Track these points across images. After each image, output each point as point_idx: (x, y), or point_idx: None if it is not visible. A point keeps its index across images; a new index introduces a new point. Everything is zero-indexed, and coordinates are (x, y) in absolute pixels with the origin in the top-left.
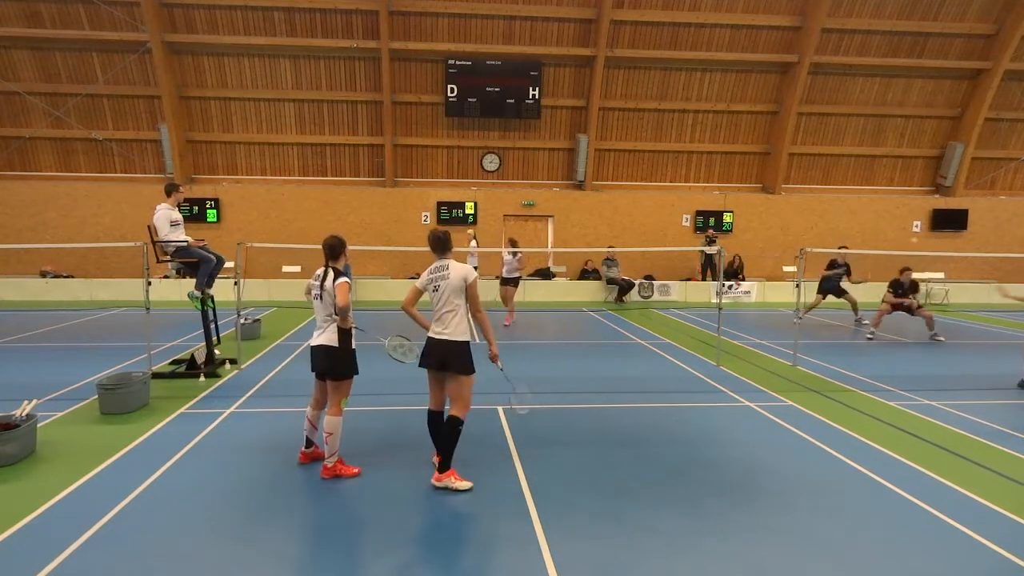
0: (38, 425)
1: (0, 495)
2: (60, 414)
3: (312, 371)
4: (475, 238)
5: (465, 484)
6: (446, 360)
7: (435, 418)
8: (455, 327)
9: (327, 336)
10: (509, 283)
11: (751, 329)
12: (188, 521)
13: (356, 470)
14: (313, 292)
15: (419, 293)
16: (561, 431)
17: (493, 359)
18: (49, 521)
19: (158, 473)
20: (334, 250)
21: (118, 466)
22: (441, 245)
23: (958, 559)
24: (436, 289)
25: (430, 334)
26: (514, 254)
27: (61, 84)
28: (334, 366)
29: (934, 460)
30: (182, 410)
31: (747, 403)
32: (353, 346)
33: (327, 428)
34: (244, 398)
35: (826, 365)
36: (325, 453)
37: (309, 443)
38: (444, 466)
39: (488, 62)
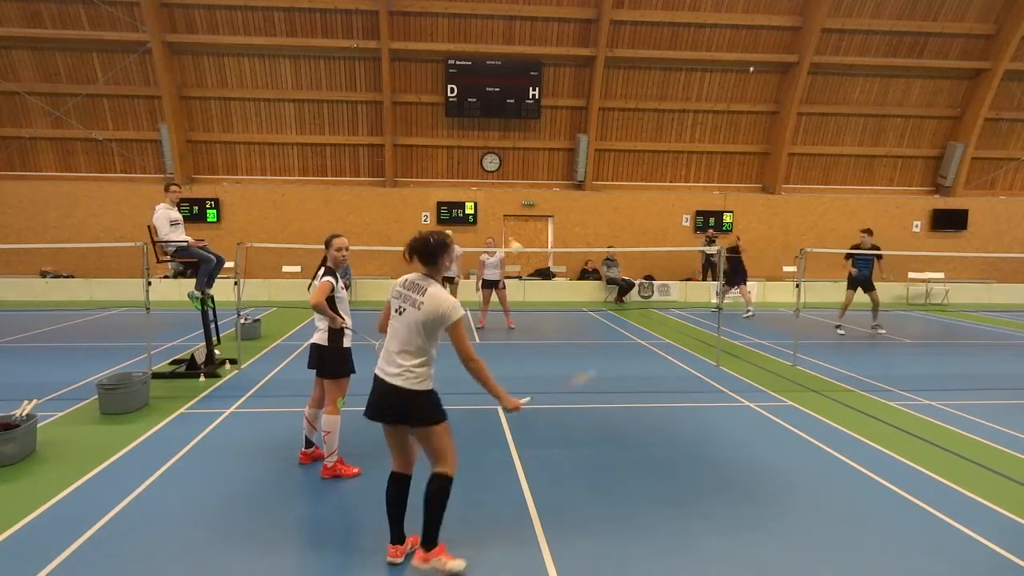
0: (38, 425)
1: (0, 495)
2: (60, 414)
3: (308, 368)
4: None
5: (458, 565)
6: (399, 411)
7: (401, 485)
8: (410, 372)
9: (320, 335)
10: (491, 285)
11: (751, 329)
12: (188, 521)
13: (356, 470)
14: (311, 289)
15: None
16: (561, 431)
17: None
18: (49, 521)
19: (158, 473)
20: (325, 246)
21: (118, 466)
22: (427, 255)
23: (958, 559)
24: (400, 312)
25: (378, 373)
26: (491, 254)
27: (61, 84)
28: (325, 364)
29: (934, 460)
30: (182, 410)
31: (747, 403)
32: (346, 345)
33: (324, 427)
34: (244, 398)
35: (826, 365)
36: (324, 453)
37: (309, 443)
38: (430, 541)
39: (488, 62)
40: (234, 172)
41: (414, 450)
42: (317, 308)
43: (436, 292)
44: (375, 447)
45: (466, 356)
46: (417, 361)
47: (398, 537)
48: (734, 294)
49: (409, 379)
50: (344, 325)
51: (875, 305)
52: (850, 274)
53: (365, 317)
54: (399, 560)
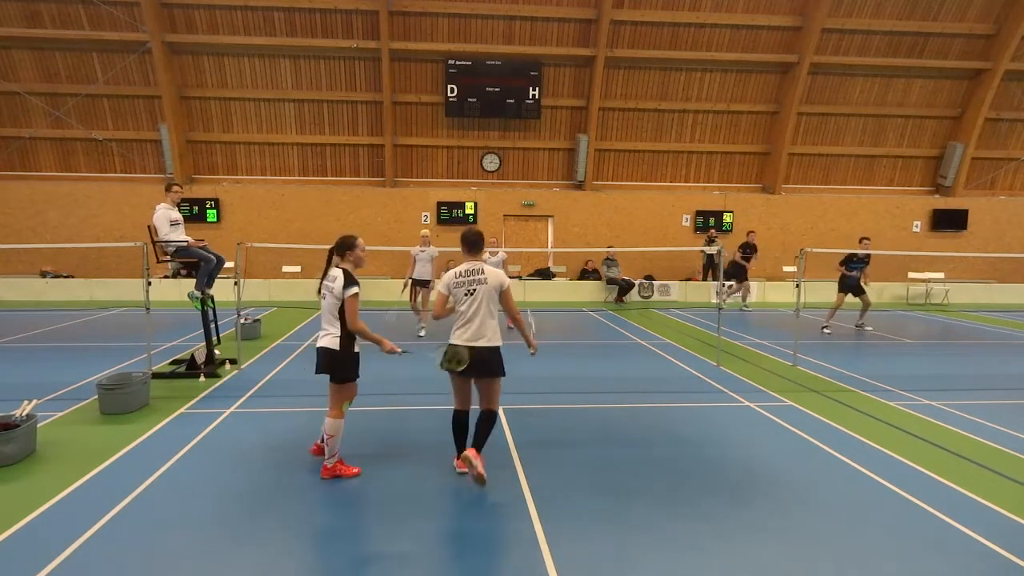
0: (38, 425)
1: (0, 495)
2: (60, 414)
3: (316, 373)
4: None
5: (482, 470)
6: (488, 367)
7: (463, 418)
8: (494, 333)
9: (330, 339)
10: None
11: (751, 329)
12: (188, 521)
13: (356, 470)
14: (322, 291)
15: (447, 299)
16: (561, 431)
17: (533, 350)
18: (49, 521)
19: (158, 473)
20: (340, 247)
21: (118, 466)
22: (476, 246)
23: (958, 559)
24: (471, 293)
25: (460, 343)
26: (493, 253)
27: (61, 84)
28: (334, 369)
29: (934, 460)
30: (182, 410)
31: (747, 403)
32: (356, 350)
33: (327, 430)
34: (244, 398)
35: (826, 365)
36: (326, 453)
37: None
38: (480, 447)
39: (488, 62)
40: (234, 172)
41: (471, 393)
42: (361, 334)
43: (491, 269)
44: (375, 447)
45: (514, 312)
46: (495, 322)
47: (461, 450)
48: (736, 296)
49: (495, 340)
50: (394, 350)
51: (866, 307)
52: (844, 278)
53: (367, 317)
54: (466, 468)
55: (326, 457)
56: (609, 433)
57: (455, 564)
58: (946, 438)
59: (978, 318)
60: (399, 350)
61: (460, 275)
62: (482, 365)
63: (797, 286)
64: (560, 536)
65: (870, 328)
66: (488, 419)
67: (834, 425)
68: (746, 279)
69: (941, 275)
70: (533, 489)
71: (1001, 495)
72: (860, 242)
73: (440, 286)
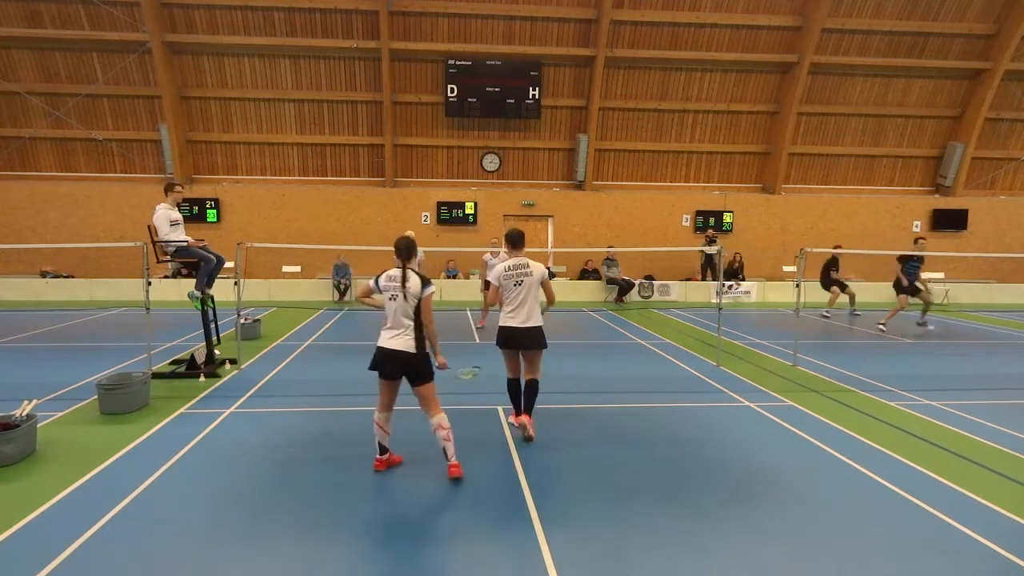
0: (38, 425)
1: (0, 495)
2: (60, 414)
3: (372, 369)
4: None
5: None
6: (535, 342)
7: (516, 383)
8: (539, 315)
9: (402, 341)
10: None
11: (751, 329)
12: (188, 521)
13: (399, 458)
14: (388, 293)
15: (498, 290)
16: (561, 431)
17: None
18: (49, 521)
19: (158, 473)
20: (407, 251)
21: (118, 466)
22: (518, 243)
23: (958, 559)
24: (519, 283)
25: (512, 324)
26: (495, 255)
27: (61, 84)
28: (415, 372)
29: (934, 460)
30: (182, 410)
31: (747, 403)
32: (427, 350)
33: (444, 423)
34: (244, 398)
35: (826, 365)
36: (448, 452)
37: (383, 449)
38: (529, 411)
39: (488, 62)
40: (234, 172)
41: (519, 364)
42: (433, 334)
43: (535, 263)
44: (375, 448)
45: (552, 298)
46: (540, 309)
47: (519, 410)
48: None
49: (539, 322)
50: (444, 366)
51: (927, 305)
52: (907, 279)
53: (369, 317)
54: (520, 424)
55: (450, 455)
56: (609, 433)
57: (454, 564)
58: (946, 438)
59: (978, 318)
60: (447, 367)
61: (509, 269)
62: (531, 341)
63: (797, 286)
64: (560, 536)
65: (932, 327)
66: (532, 387)
67: (834, 425)
68: (835, 285)
69: (941, 275)
70: (533, 489)
71: (1001, 495)
72: (916, 243)
73: (491, 277)
